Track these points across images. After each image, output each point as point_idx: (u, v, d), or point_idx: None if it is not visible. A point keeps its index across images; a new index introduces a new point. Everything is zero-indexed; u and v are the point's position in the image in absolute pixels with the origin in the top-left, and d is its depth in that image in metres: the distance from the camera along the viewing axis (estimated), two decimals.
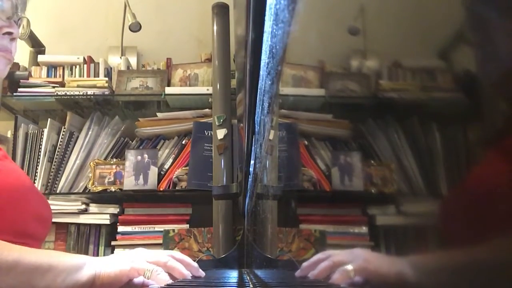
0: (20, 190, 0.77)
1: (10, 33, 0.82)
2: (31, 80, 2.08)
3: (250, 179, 0.99)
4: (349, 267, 0.55)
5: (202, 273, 0.77)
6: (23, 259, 0.57)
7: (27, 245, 0.68)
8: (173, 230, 1.92)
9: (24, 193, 0.78)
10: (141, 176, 1.93)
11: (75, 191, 1.98)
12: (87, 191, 1.96)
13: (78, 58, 2.16)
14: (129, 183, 1.93)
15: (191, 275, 0.73)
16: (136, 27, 2.12)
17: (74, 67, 2.16)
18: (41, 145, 2.01)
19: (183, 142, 2.01)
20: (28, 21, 0.89)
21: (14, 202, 0.74)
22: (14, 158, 1.98)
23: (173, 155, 2.00)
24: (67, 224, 1.95)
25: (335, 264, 0.60)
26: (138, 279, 0.66)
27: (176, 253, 0.74)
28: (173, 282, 0.66)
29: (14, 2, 0.84)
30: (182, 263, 0.71)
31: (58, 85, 2.07)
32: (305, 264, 0.69)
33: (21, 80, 2.06)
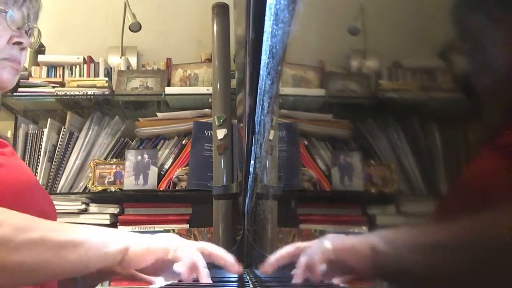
0: (26, 186, 0.77)
1: (19, 43, 0.81)
2: (31, 80, 2.08)
3: (250, 179, 0.99)
4: (328, 245, 0.54)
5: (238, 269, 0.74)
6: (50, 235, 0.58)
7: None
8: (173, 230, 1.92)
9: (30, 189, 0.78)
10: (141, 176, 1.93)
11: (75, 191, 1.98)
12: (87, 191, 1.96)
13: (78, 58, 2.16)
14: (129, 183, 1.93)
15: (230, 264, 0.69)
16: (136, 27, 2.12)
17: (74, 67, 2.16)
18: (41, 145, 2.01)
19: (183, 142, 2.01)
20: (39, 31, 0.89)
21: (19, 197, 0.74)
22: None
23: (173, 155, 2.00)
24: None
25: (312, 258, 0.58)
26: (177, 267, 0.64)
27: (208, 244, 0.71)
28: (173, 282, 0.65)
29: (25, 12, 0.84)
30: (213, 257, 0.69)
31: (58, 85, 2.07)
32: (272, 259, 0.67)
33: (21, 80, 2.05)
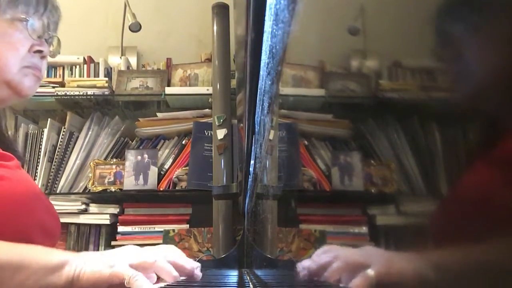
0: (26, 199, 0.75)
1: (40, 51, 0.83)
2: None
3: (250, 179, 0.99)
4: (370, 272, 0.50)
5: (198, 276, 0.73)
6: None
7: None
8: (173, 230, 1.92)
9: (30, 202, 0.76)
10: (141, 176, 1.93)
11: (75, 191, 1.98)
12: (87, 191, 1.96)
13: (78, 58, 2.16)
14: (129, 183, 1.93)
15: (181, 277, 0.68)
16: (136, 27, 2.11)
17: (74, 67, 2.16)
18: (41, 145, 2.00)
19: (183, 142, 2.01)
20: (59, 40, 0.91)
21: (17, 210, 0.73)
22: None
23: (173, 155, 2.00)
24: (67, 224, 1.94)
25: (347, 265, 0.55)
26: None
27: (172, 251, 0.70)
28: (173, 282, 0.65)
29: (46, 21, 0.86)
30: (173, 265, 0.67)
31: (58, 85, 2.07)
32: (309, 264, 0.65)
33: None
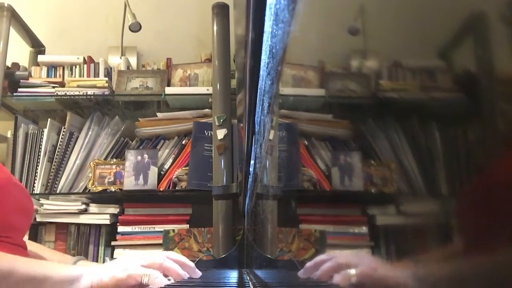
0: (2, 181, 0.77)
1: None
2: (31, 80, 2.08)
3: (250, 179, 0.99)
4: (352, 271, 0.54)
5: (198, 273, 0.77)
6: (18, 269, 0.58)
7: (10, 237, 0.70)
8: (173, 230, 1.92)
9: (4, 185, 0.78)
10: (141, 176, 1.93)
11: (75, 191, 1.98)
12: (87, 191, 1.96)
13: (78, 58, 2.16)
14: (129, 183, 1.93)
15: (187, 275, 0.73)
16: (136, 27, 2.12)
17: (74, 67, 2.16)
18: (41, 145, 2.01)
19: (183, 142, 2.01)
20: None
21: None
22: (14, 158, 1.99)
23: (173, 155, 2.00)
24: (67, 224, 1.95)
25: (339, 265, 0.58)
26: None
27: (171, 253, 0.75)
28: (172, 282, 0.65)
29: None
30: (177, 263, 0.71)
31: (58, 85, 2.07)
32: (308, 264, 0.68)
33: (21, 80, 2.06)
